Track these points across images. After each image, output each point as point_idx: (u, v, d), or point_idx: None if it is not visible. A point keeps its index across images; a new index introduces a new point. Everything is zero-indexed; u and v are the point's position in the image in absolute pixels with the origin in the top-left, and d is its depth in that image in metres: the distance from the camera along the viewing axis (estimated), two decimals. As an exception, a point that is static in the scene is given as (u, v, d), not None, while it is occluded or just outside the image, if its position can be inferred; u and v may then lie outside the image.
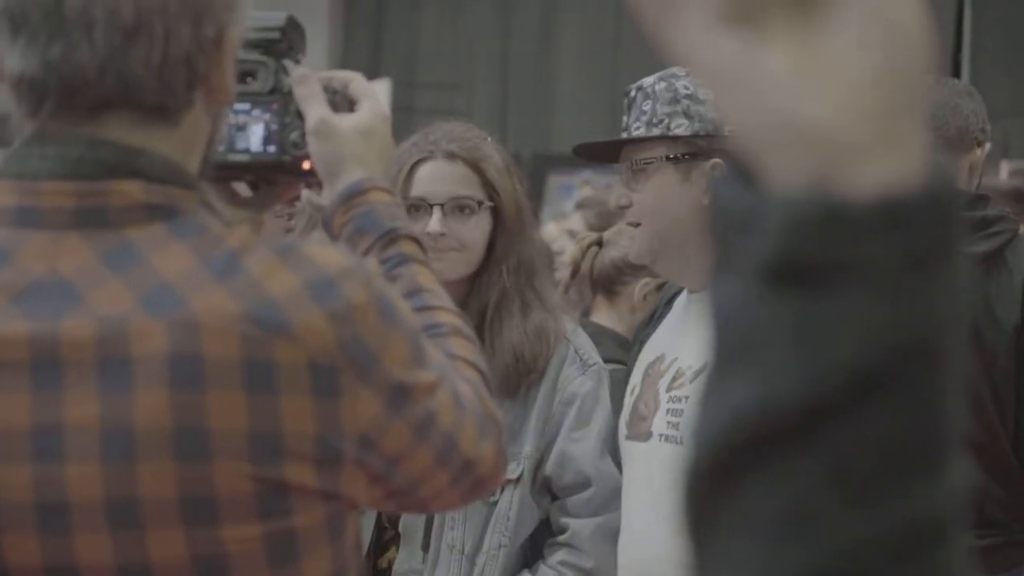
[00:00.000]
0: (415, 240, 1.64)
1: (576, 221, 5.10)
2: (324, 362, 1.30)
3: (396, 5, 11.60)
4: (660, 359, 2.60)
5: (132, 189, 1.32)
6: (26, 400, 1.28)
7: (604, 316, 3.21)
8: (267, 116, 1.65)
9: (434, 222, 2.55)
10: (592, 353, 2.67)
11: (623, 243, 3.27)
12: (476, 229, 2.57)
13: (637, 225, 2.53)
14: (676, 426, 2.48)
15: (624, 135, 2.56)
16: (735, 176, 0.58)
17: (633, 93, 2.56)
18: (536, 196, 6.67)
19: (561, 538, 2.58)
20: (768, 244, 0.55)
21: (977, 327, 2.79)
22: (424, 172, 2.58)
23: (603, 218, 4.91)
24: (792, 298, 0.55)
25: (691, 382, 2.50)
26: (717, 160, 2.49)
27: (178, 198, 1.34)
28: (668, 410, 2.51)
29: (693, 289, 2.58)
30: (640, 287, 3.25)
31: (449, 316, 1.58)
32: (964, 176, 3.06)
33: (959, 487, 0.56)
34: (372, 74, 9.16)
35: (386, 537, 2.60)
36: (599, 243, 3.35)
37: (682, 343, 2.57)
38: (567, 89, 11.01)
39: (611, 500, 2.59)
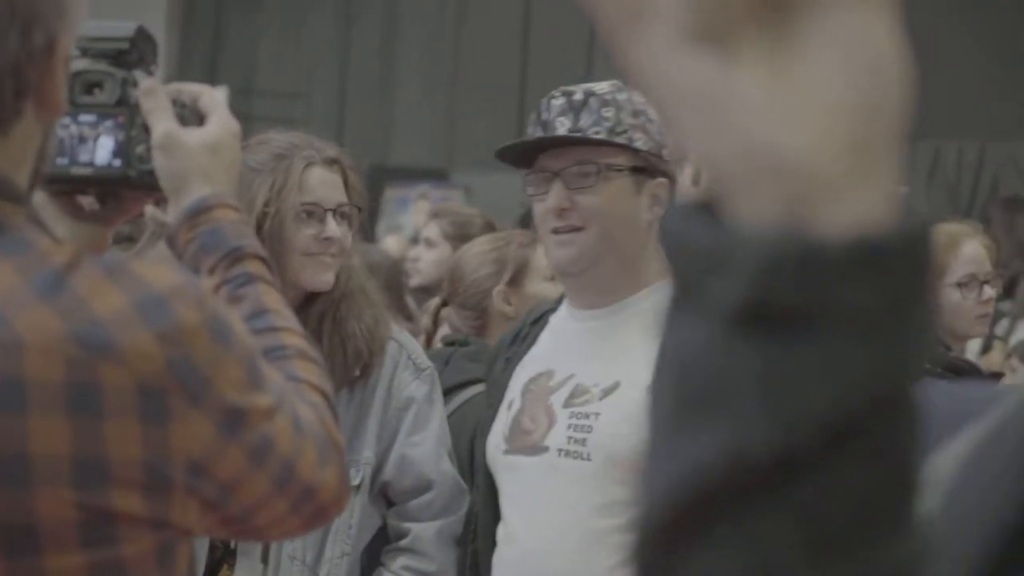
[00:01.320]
0: (262, 259, 1.60)
1: (432, 229, 5.13)
2: (152, 385, 1.25)
3: (236, 12, 11.47)
4: (546, 374, 2.59)
5: None
6: None
7: (493, 335, 3.22)
8: (113, 129, 1.60)
9: (333, 227, 2.56)
10: (423, 358, 2.70)
11: (466, 280, 3.28)
12: (348, 234, 2.60)
13: (573, 230, 2.53)
14: (582, 442, 2.48)
15: (576, 135, 2.54)
16: (697, 207, 0.54)
17: (580, 96, 2.55)
18: (372, 208, 6.64)
19: (402, 543, 2.58)
20: (738, 285, 0.51)
21: None
22: (315, 177, 2.58)
23: (458, 227, 4.93)
24: (762, 343, 0.51)
25: (599, 399, 2.50)
26: (662, 180, 2.53)
27: (5, 213, 1.28)
28: (570, 425, 2.50)
29: (585, 305, 2.58)
30: (497, 297, 3.27)
31: (294, 338, 1.53)
32: None
33: (921, 541, 0.53)
34: (210, 80, 9.05)
35: (217, 556, 2.55)
36: (444, 303, 3.39)
37: (577, 360, 2.56)
38: (405, 102, 10.98)
39: (451, 503, 2.61)
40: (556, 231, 2.55)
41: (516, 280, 3.32)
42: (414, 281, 5.14)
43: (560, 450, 2.50)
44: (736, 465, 0.51)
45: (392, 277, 4.79)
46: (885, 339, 0.52)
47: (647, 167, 2.54)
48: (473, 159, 10.52)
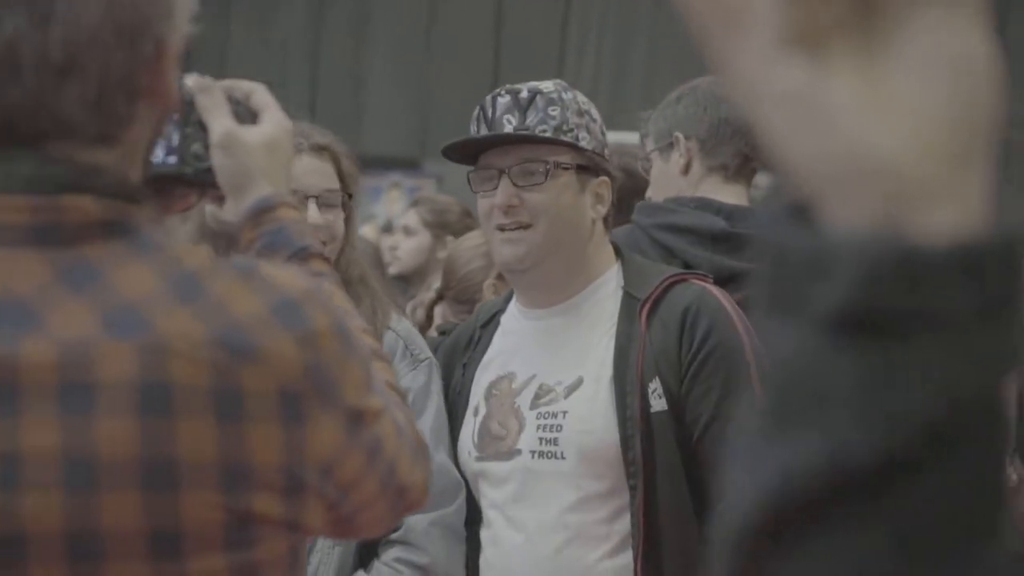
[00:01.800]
0: (325, 259, 1.62)
1: (411, 217, 5.14)
2: (291, 389, 1.27)
3: (206, 2, 11.42)
4: (507, 377, 2.60)
5: (87, 205, 1.26)
6: None
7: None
8: (167, 126, 1.57)
9: (314, 215, 2.56)
10: (423, 348, 2.68)
11: (458, 273, 3.34)
12: (338, 220, 2.61)
13: (521, 227, 2.54)
14: (554, 441, 2.50)
15: (523, 133, 2.55)
16: (789, 212, 0.54)
17: (526, 94, 2.56)
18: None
19: (395, 535, 2.56)
20: (838, 291, 0.52)
21: None
22: (299, 165, 2.56)
23: (437, 214, 4.95)
24: (862, 349, 0.52)
25: (565, 397, 2.51)
26: (604, 178, 2.58)
27: (131, 214, 1.29)
28: (540, 426, 2.52)
29: (537, 304, 2.60)
30: (487, 289, 3.29)
31: (368, 338, 1.54)
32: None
33: (1016, 548, 0.54)
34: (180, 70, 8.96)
35: None
36: (440, 297, 3.40)
37: (536, 360, 2.57)
38: (377, 91, 10.95)
39: (444, 495, 2.58)
40: (502, 228, 2.56)
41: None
42: (393, 269, 5.14)
43: (533, 452, 2.52)
44: (834, 471, 0.51)
45: (375, 268, 4.80)
46: (982, 344, 0.52)
47: (591, 166, 2.59)
48: (445, 149, 10.49)
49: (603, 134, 2.62)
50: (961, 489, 0.52)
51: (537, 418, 2.53)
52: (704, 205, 2.97)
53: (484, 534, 2.59)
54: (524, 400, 2.56)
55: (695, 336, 2.47)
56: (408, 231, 5.19)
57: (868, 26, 0.52)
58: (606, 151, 2.63)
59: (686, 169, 3.08)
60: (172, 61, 1.32)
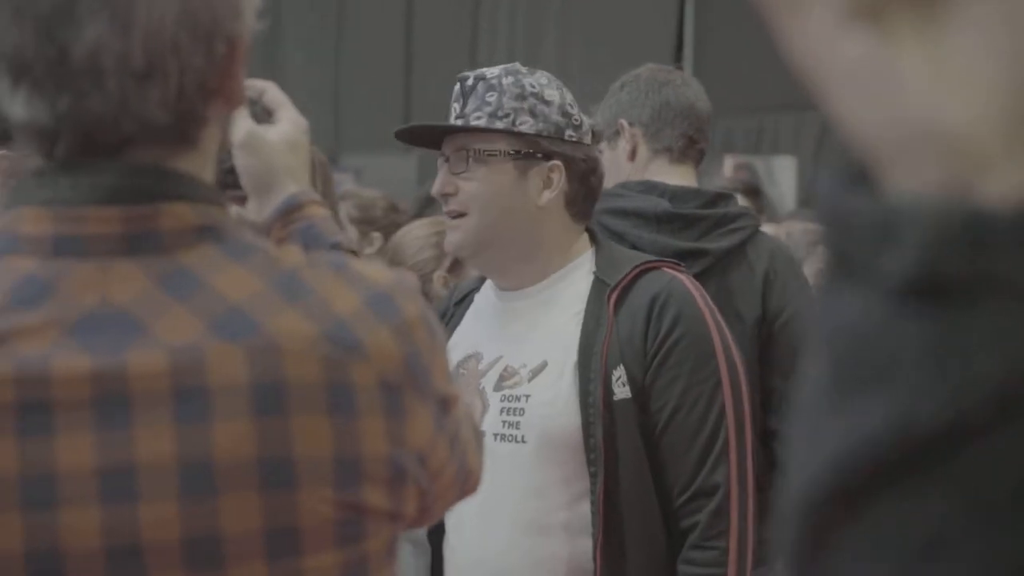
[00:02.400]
0: (355, 254, 1.62)
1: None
2: (392, 381, 1.28)
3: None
4: (475, 357, 2.59)
5: (182, 211, 1.26)
6: (89, 440, 1.21)
7: None
8: None
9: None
10: None
11: (406, 260, 3.35)
12: None
13: (459, 215, 2.53)
14: (516, 425, 2.49)
15: (459, 122, 2.54)
16: (851, 179, 0.54)
17: (471, 82, 2.55)
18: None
19: None
20: (907, 257, 0.51)
21: None
22: None
23: (362, 210, 4.91)
24: (932, 315, 0.51)
25: (528, 381, 2.50)
26: (556, 162, 2.52)
27: (220, 217, 1.29)
28: (503, 409, 2.51)
29: (507, 287, 2.58)
30: (437, 282, 3.28)
31: (441, 330, 1.55)
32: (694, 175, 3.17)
33: None
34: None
35: None
36: None
37: (503, 341, 2.56)
38: (290, 86, 10.86)
39: None
40: (448, 214, 2.57)
41: (456, 266, 3.31)
42: None
43: (496, 435, 2.50)
44: (904, 437, 0.51)
45: None
46: None
47: (534, 151, 2.52)
48: (360, 142, 10.47)
49: (564, 115, 2.54)
50: None
51: (501, 400, 2.52)
52: (649, 188, 3.01)
53: (448, 519, 2.57)
54: (489, 381, 2.54)
55: (662, 325, 2.44)
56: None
57: None
58: (568, 133, 2.55)
59: (632, 155, 3.12)
60: (242, 60, 1.32)
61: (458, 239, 2.54)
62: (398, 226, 4.82)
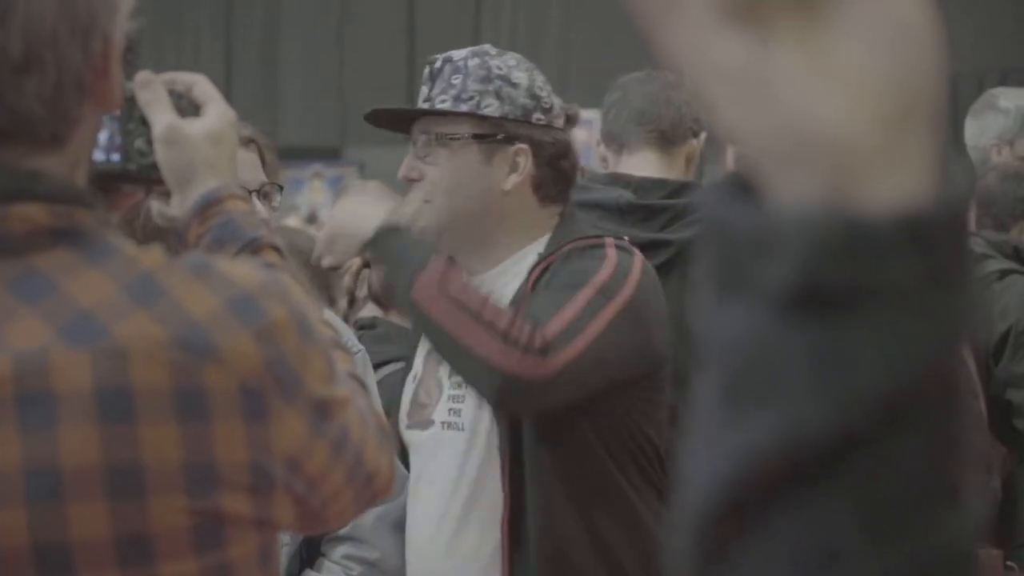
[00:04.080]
0: (277, 248, 1.61)
1: None
2: (253, 385, 1.25)
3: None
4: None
5: (34, 213, 1.24)
6: None
7: (398, 317, 3.20)
8: (109, 122, 1.54)
9: (260, 209, 2.47)
10: (354, 340, 2.64)
11: None
12: (271, 215, 2.52)
13: (426, 200, 2.48)
14: (458, 412, 2.45)
15: (426, 105, 2.49)
16: (734, 190, 0.54)
17: (439, 64, 2.50)
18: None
19: (342, 531, 2.51)
20: (787, 268, 0.51)
21: (683, 311, 2.87)
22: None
23: None
24: (814, 325, 0.51)
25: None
26: (523, 146, 2.46)
27: (81, 219, 1.26)
28: (450, 396, 2.47)
29: (477, 269, 2.52)
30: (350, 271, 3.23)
31: (325, 328, 1.52)
32: (681, 167, 3.13)
33: (976, 511, 0.53)
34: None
35: None
36: (366, 264, 3.30)
37: None
38: (292, 80, 10.89)
39: None
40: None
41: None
42: (325, 261, 5.09)
43: (443, 423, 2.47)
44: (792, 448, 0.51)
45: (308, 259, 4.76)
46: (934, 314, 0.52)
47: (499, 134, 2.46)
48: (365, 135, 10.46)
49: (532, 98, 2.48)
50: (920, 460, 0.52)
51: (450, 388, 2.49)
52: (614, 180, 3.01)
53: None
54: (445, 368, 2.50)
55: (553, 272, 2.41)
56: None
57: None
58: (537, 116, 2.48)
59: (604, 163, 3.18)
60: (117, 60, 1.30)
61: (423, 223, 2.48)
62: None
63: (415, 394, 2.55)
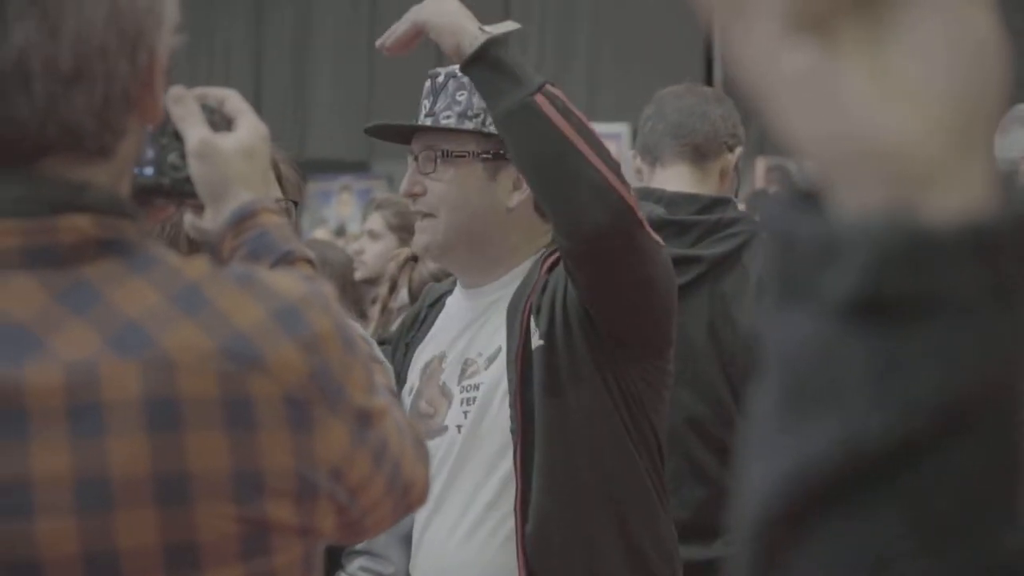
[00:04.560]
0: (310, 262, 1.61)
1: (376, 221, 5.10)
2: (297, 395, 1.27)
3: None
4: (440, 356, 2.55)
5: (82, 223, 1.25)
6: None
7: None
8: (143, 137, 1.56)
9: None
10: (379, 353, 2.61)
11: (375, 264, 3.25)
12: None
13: (427, 216, 2.47)
14: (467, 414, 2.45)
15: (428, 120, 2.48)
16: (797, 200, 0.55)
17: (441, 78, 2.49)
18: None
19: (359, 545, 2.53)
20: (849, 278, 0.52)
21: (714, 327, 2.86)
22: None
23: (402, 217, 4.92)
24: (876, 334, 0.52)
25: (485, 369, 2.45)
26: None
27: (126, 230, 1.28)
28: (463, 400, 2.46)
29: (472, 284, 2.53)
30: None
31: (361, 340, 1.52)
32: (715, 181, 3.12)
33: None
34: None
35: None
36: (414, 258, 3.30)
37: (464, 337, 2.52)
38: (321, 94, 10.92)
39: None
40: (416, 214, 2.53)
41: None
42: (359, 274, 5.10)
43: (458, 427, 2.46)
44: (850, 456, 0.52)
45: (347, 274, 4.77)
46: (995, 325, 0.52)
47: (505, 152, 2.41)
48: (393, 148, 10.48)
49: None
50: (978, 471, 0.52)
51: (461, 392, 2.48)
52: (646, 195, 3.00)
53: (418, 516, 2.51)
54: (451, 376, 2.50)
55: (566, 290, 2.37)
56: (373, 235, 5.13)
57: (876, 7, 0.53)
58: None
59: (639, 176, 3.16)
60: (160, 75, 1.31)
61: (425, 241, 2.49)
62: None
63: (413, 406, 2.54)
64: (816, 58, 0.53)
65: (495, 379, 2.42)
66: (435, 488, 2.45)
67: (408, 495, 1.43)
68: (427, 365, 2.55)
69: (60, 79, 1.24)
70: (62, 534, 1.21)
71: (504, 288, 2.48)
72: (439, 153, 2.46)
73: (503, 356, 2.42)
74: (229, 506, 1.24)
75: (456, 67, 2.46)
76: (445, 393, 2.50)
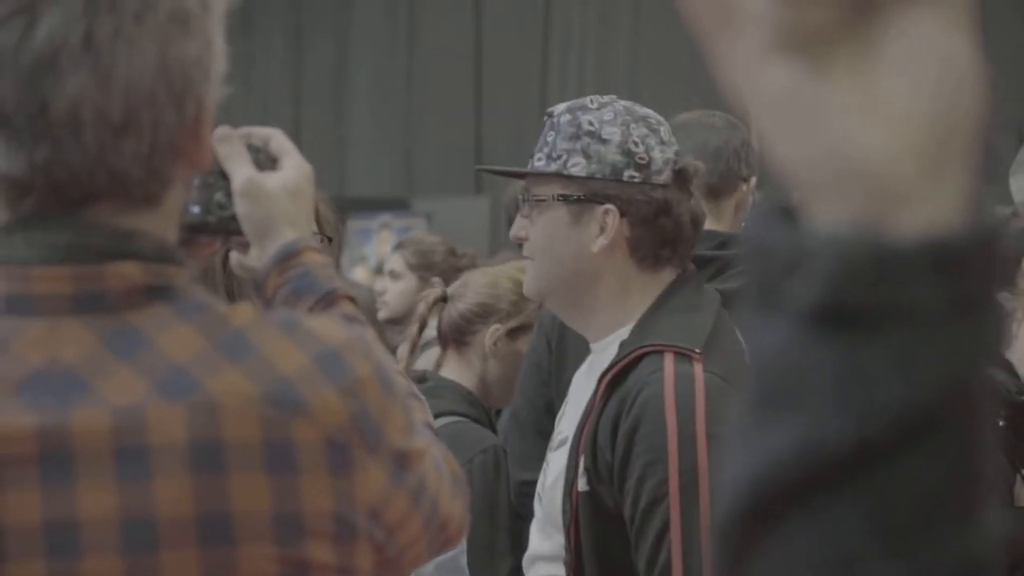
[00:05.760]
0: (352, 299, 1.65)
1: (396, 261, 5.12)
2: (338, 438, 1.30)
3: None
4: (566, 401, 2.53)
5: (130, 271, 1.29)
6: (35, 496, 1.25)
7: (453, 369, 3.21)
8: None
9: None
10: (415, 388, 2.63)
11: (468, 295, 3.22)
12: None
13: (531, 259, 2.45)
14: (542, 486, 2.45)
15: (530, 163, 2.44)
16: (776, 212, 0.57)
17: (546, 119, 2.44)
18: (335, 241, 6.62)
19: None
20: (815, 287, 0.54)
21: None
22: None
23: (421, 256, 4.92)
24: (838, 341, 0.54)
25: (554, 450, 2.42)
26: (610, 207, 2.35)
27: (173, 276, 1.32)
28: (543, 469, 2.47)
29: (587, 337, 2.46)
30: (490, 334, 3.18)
31: (402, 379, 1.56)
32: (730, 216, 3.11)
33: (994, 531, 0.56)
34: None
35: None
36: (444, 298, 3.30)
37: (574, 397, 2.47)
38: (361, 132, 10.95)
39: None
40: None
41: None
42: (382, 314, 5.10)
43: (539, 496, 2.47)
44: (812, 457, 0.54)
45: (371, 312, 4.77)
46: (955, 338, 0.54)
47: (586, 194, 2.36)
48: (432, 186, 10.51)
49: (625, 154, 2.35)
50: (938, 476, 0.54)
51: (545, 463, 2.48)
52: None
53: None
54: (555, 437, 2.48)
55: (619, 430, 2.25)
56: (394, 275, 5.15)
57: (860, 27, 0.54)
58: (629, 173, 2.35)
59: None
60: (208, 126, 1.34)
61: (526, 285, 2.48)
62: (458, 271, 4.77)
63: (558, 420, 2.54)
64: (800, 76, 0.55)
65: (557, 467, 2.38)
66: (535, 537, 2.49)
67: (445, 531, 1.46)
68: (566, 401, 2.53)
69: (110, 127, 1.26)
70: (108, 574, 1.24)
71: (603, 354, 2.39)
72: (529, 197, 2.42)
73: (567, 447, 2.36)
74: (270, 547, 1.27)
75: (558, 106, 2.45)
76: (547, 448, 2.50)
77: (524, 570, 2.51)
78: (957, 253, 0.54)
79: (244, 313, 1.33)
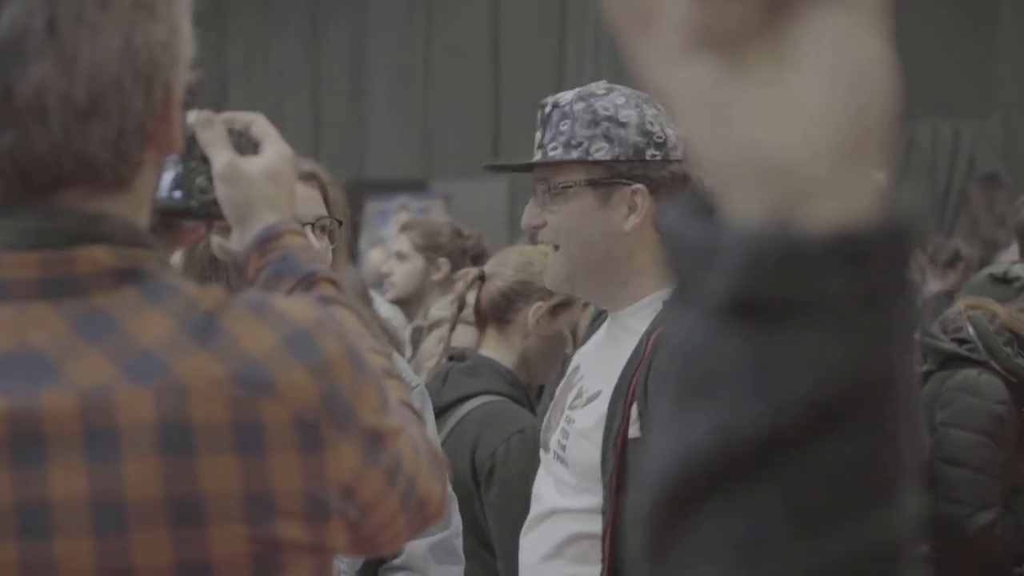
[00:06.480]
0: (334, 282, 1.65)
1: (403, 242, 5.12)
2: (307, 418, 1.31)
3: (203, 37, 11.46)
4: (576, 370, 2.57)
5: (99, 254, 1.30)
6: (7, 477, 1.26)
7: (492, 348, 3.21)
8: (171, 161, 1.60)
9: (313, 241, 2.49)
10: (412, 375, 2.68)
11: (507, 273, 3.23)
12: (327, 248, 2.53)
13: (555, 247, 2.48)
14: (564, 448, 2.47)
15: (539, 153, 2.48)
16: (693, 208, 0.58)
17: (548, 109, 2.48)
18: (354, 223, 6.65)
19: (396, 561, 2.56)
20: (726, 280, 0.56)
21: None
22: None
23: (427, 237, 4.93)
24: (750, 333, 0.56)
25: (582, 407, 2.46)
26: (638, 186, 2.42)
27: (143, 260, 1.32)
28: (562, 429, 2.49)
29: (611, 309, 2.53)
30: (533, 311, 3.20)
31: (379, 358, 1.56)
32: None
33: (910, 514, 0.57)
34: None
35: None
36: (482, 277, 3.32)
37: (590, 362, 2.54)
38: (379, 115, 10.97)
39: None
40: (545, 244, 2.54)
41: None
42: (389, 295, 5.12)
43: (555, 452, 2.49)
44: (726, 444, 0.56)
45: (362, 300, 4.80)
46: (864, 328, 0.55)
47: (614, 177, 2.43)
48: (451, 168, 10.52)
49: (643, 135, 2.42)
50: (849, 461, 0.56)
51: (564, 421, 2.50)
52: None
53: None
54: (570, 398, 2.52)
55: None
56: (400, 256, 5.16)
57: (774, 27, 0.56)
58: (651, 152, 2.43)
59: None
60: (176, 109, 1.35)
61: (552, 274, 2.50)
62: (464, 252, 4.79)
63: (548, 418, 2.58)
64: (715, 76, 0.56)
65: (587, 423, 2.42)
66: (535, 503, 2.52)
67: (423, 510, 1.46)
68: (570, 374, 2.57)
69: (75, 113, 1.27)
70: (80, 555, 1.25)
71: (625, 320, 2.47)
72: (551, 186, 2.45)
73: (598, 402, 2.41)
74: (241, 527, 1.27)
75: (559, 96, 2.50)
76: (561, 412, 2.52)
77: (526, 530, 2.52)
78: (865, 246, 0.55)
79: (214, 296, 1.33)
